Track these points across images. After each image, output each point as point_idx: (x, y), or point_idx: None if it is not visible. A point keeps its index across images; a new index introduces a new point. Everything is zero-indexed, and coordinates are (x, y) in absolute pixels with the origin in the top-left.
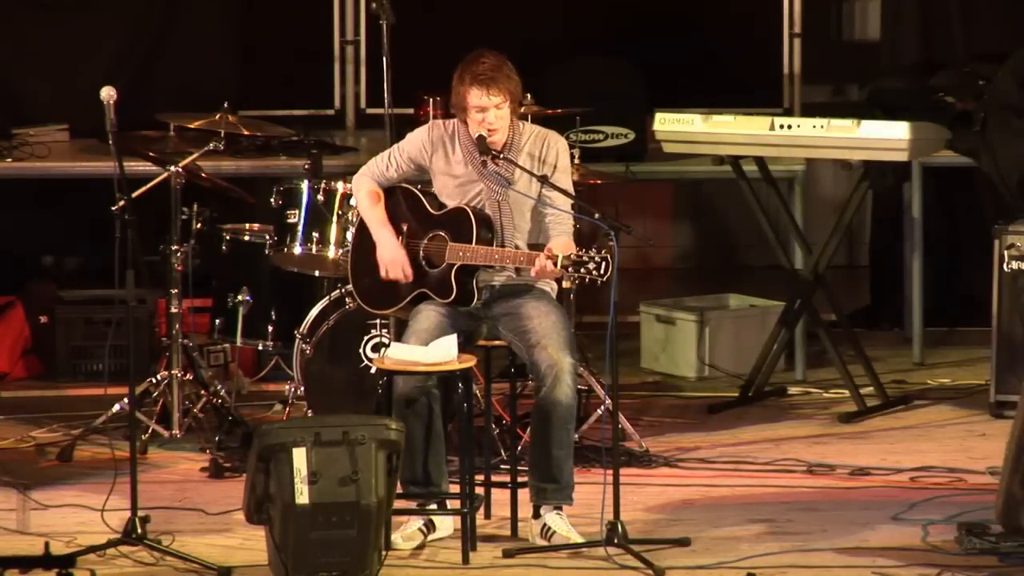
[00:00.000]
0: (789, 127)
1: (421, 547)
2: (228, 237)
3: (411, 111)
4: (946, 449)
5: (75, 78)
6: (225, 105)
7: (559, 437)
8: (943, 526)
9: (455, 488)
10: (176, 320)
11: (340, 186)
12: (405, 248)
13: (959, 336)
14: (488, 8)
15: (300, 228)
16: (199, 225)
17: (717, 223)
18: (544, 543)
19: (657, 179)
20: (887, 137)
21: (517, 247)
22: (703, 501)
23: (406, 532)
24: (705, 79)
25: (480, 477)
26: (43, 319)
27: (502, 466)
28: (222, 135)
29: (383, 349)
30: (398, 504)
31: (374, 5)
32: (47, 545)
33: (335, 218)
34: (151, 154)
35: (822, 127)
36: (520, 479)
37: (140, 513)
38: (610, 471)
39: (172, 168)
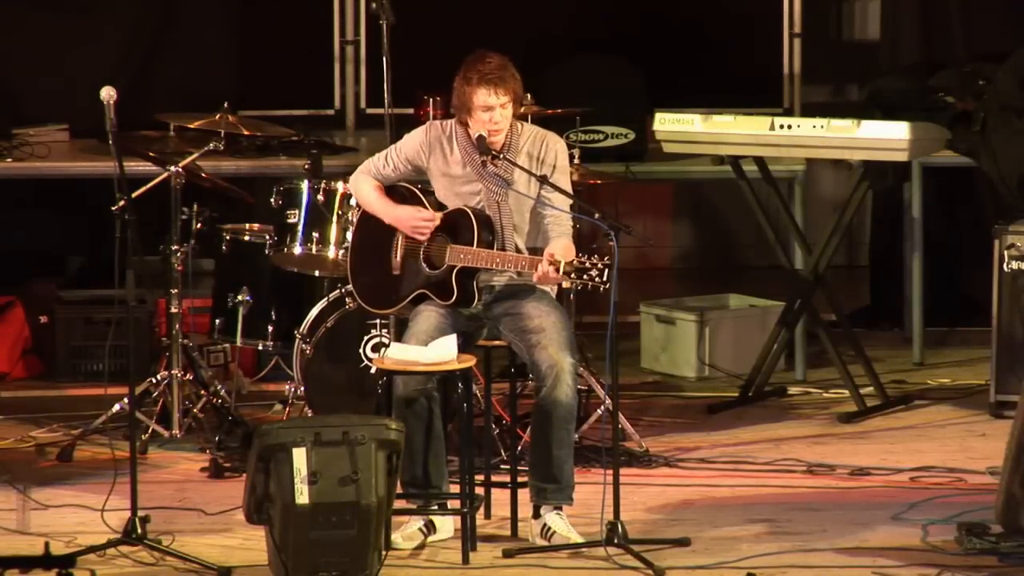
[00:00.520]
0: (789, 127)
1: (421, 547)
2: (228, 237)
3: (411, 111)
4: (946, 449)
5: (75, 78)
6: (225, 105)
7: (559, 437)
8: (943, 526)
9: (455, 488)
10: (176, 320)
11: (340, 186)
12: (404, 248)
13: (959, 336)
14: (488, 8)
15: (300, 228)
16: (199, 225)
17: (717, 223)
18: (544, 543)
19: (657, 179)
20: (887, 137)
21: (517, 248)
22: (703, 501)
23: (406, 532)
24: (705, 79)
25: (480, 477)
26: (43, 319)
27: (502, 466)
28: (222, 135)
29: (383, 349)
30: (398, 504)
31: (374, 5)
32: (47, 545)
33: (335, 218)
34: (151, 154)
35: (822, 127)
36: (520, 479)
37: (140, 513)
38: (610, 471)
39: (172, 168)
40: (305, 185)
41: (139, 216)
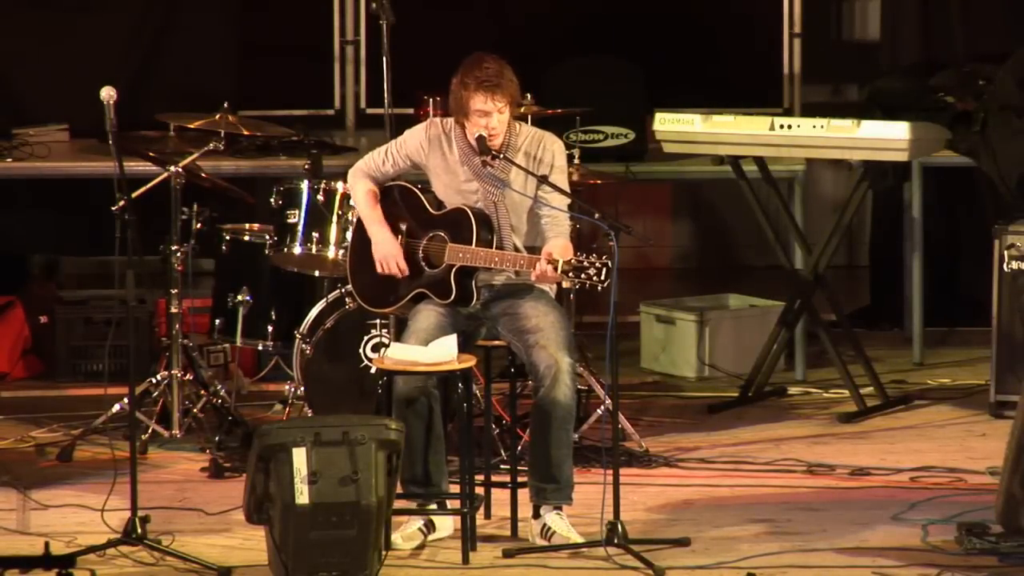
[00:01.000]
0: (789, 127)
1: (421, 547)
2: (228, 237)
3: (411, 111)
4: (946, 449)
5: (75, 78)
6: (225, 105)
7: (558, 437)
8: (943, 526)
9: (455, 488)
10: (176, 320)
11: (340, 186)
12: (404, 247)
13: (959, 336)
14: (488, 8)
15: (300, 228)
16: (199, 225)
17: (717, 223)
18: (544, 543)
19: (657, 179)
20: (887, 137)
21: (515, 247)
22: (703, 501)
23: (406, 532)
24: (705, 79)
25: (480, 477)
26: (43, 319)
27: (502, 466)
28: (222, 135)
29: (383, 349)
30: (398, 504)
31: (374, 5)
32: (47, 545)
33: (335, 218)
34: (151, 154)
35: (822, 127)
36: (520, 479)
37: (140, 513)
38: (610, 471)
39: (172, 168)
40: (305, 185)
41: (139, 216)
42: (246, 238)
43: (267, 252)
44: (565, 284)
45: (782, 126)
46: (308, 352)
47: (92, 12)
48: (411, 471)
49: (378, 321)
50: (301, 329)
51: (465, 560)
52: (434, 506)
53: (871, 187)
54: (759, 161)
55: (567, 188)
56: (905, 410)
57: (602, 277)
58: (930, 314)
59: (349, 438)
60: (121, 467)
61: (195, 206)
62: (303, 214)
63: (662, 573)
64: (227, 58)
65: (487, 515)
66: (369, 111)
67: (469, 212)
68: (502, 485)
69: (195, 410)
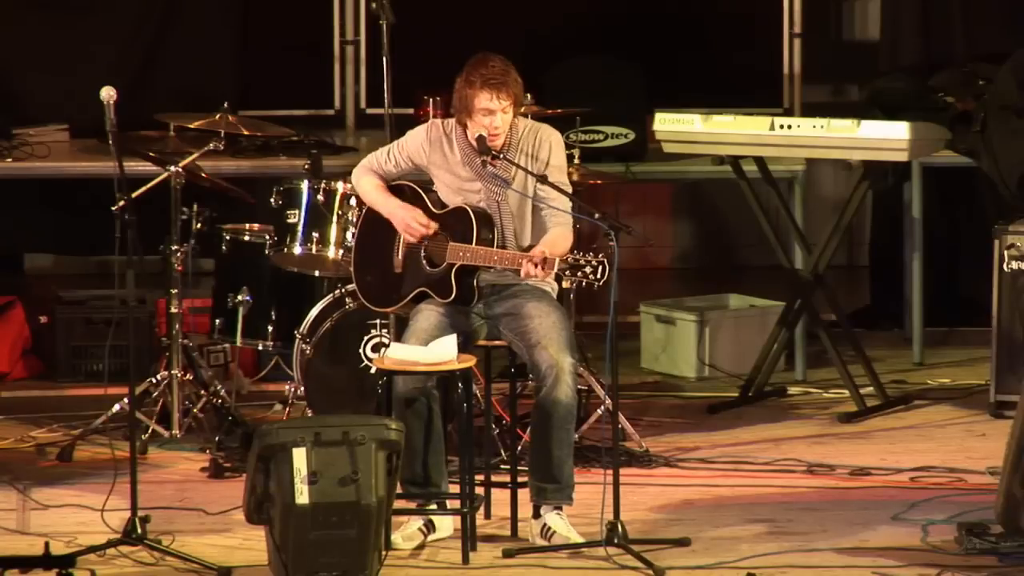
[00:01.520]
0: (789, 127)
1: (421, 547)
2: (228, 237)
3: (411, 111)
4: (946, 449)
5: (75, 78)
6: (225, 105)
7: (559, 437)
8: (943, 526)
9: (455, 488)
10: (176, 320)
11: (340, 186)
12: (406, 246)
13: (959, 336)
14: (488, 8)
15: (300, 228)
16: (199, 225)
17: (717, 223)
18: (544, 543)
19: (657, 179)
20: (887, 137)
21: (517, 246)
22: (703, 501)
23: (406, 532)
24: (705, 79)
25: (480, 477)
26: (43, 319)
27: (502, 466)
28: (222, 135)
29: (383, 349)
30: (398, 504)
31: (374, 5)
32: (47, 545)
33: (335, 218)
34: (151, 154)
35: (822, 127)
36: (520, 479)
37: (140, 513)
38: (610, 471)
39: (172, 168)
40: (305, 185)
41: (139, 216)
42: (246, 238)
43: (267, 252)
44: (566, 284)
45: (782, 126)
46: (308, 352)
47: (92, 12)
48: (411, 471)
49: (378, 321)
50: (301, 329)
51: (465, 560)
52: (434, 506)
53: (871, 187)
54: (759, 161)
55: (566, 180)
56: (905, 410)
57: (599, 275)
58: (930, 314)
59: (349, 438)
60: (121, 467)
61: (195, 206)
62: (303, 214)
63: (662, 573)
64: (227, 58)
65: (487, 515)
66: (369, 111)
67: (470, 211)
68: (502, 485)
69: (195, 410)
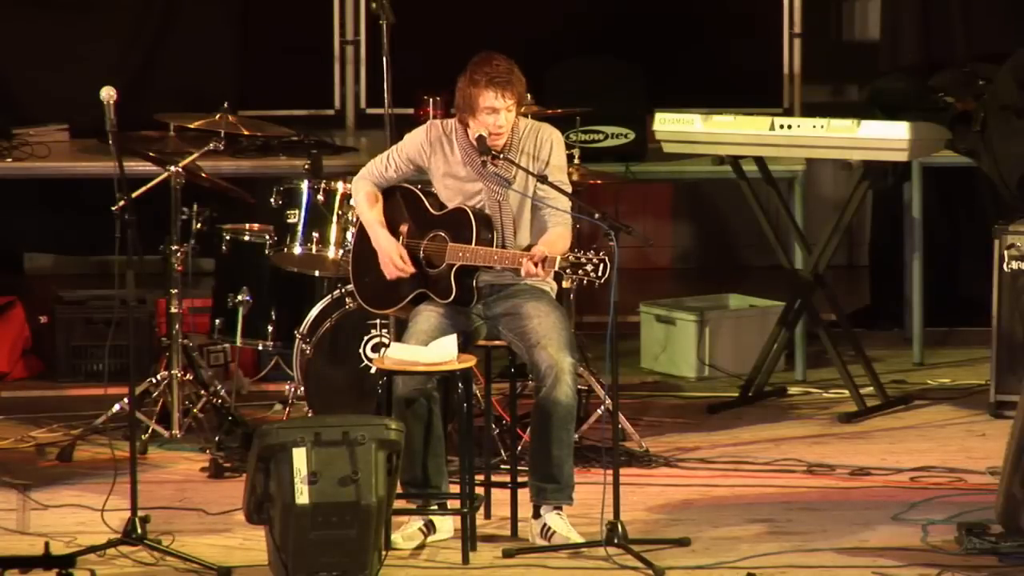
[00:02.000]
0: (789, 127)
1: (421, 547)
2: (228, 237)
3: (411, 111)
4: (946, 449)
5: (75, 78)
6: (225, 105)
7: (559, 437)
8: (943, 526)
9: (455, 488)
10: (176, 320)
11: (340, 186)
12: (405, 248)
13: (959, 336)
14: (488, 8)
15: (300, 228)
16: (199, 225)
17: (717, 223)
18: (544, 543)
19: (657, 179)
20: (887, 137)
21: (517, 246)
22: (703, 501)
23: (406, 532)
24: (705, 79)
25: (480, 477)
26: (43, 319)
27: (502, 466)
28: (222, 135)
29: (383, 349)
30: (398, 504)
31: (374, 5)
32: (47, 545)
33: (335, 218)
34: (151, 154)
35: (822, 127)
36: (520, 479)
37: (140, 513)
38: (610, 471)
39: (172, 168)
40: (305, 185)
41: (139, 216)
42: (246, 238)
43: (267, 252)
44: (566, 283)
45: (782, 126)
46: (308, 352)
47: (92, 12)
48: (411, 472)
49: (378, 321)
50: (301, 329)
51: (465, 560)
52: (434, 506)
53: (871, 187)
54: (759, 161)
55: (566, 180)
56: (905, 410)
57: (599, 273)
58: (930, 314)
59: (349, 438)
60: (121, 467)
61: (195, 206)
62: (303, 214)
63: (662, 573)
64: (227, 58)
65: (487, 515)
66: (369, 111)
67: (469, 212)
68: (502, 485)
69: (195, 410)
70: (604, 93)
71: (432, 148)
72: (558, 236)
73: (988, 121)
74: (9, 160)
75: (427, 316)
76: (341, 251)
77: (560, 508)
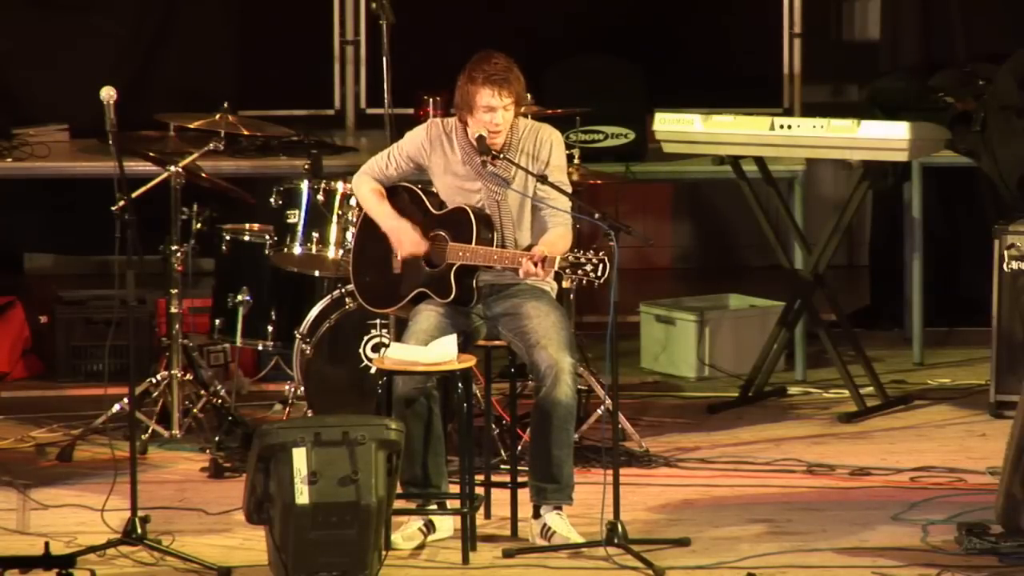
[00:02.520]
0: (789, 127)
1: (421, 547)
2: (228, 237)
3: (411, 111)
4: (946, 449)
5: (75, 78)
6: (225, 105)
7: (559, 437)
8: (943, 526)
9: (455, 488)
10: (176, 320)
11: (340, 186)
12: None
13: (959, 336)
14: (488, 8)
15: (300, 228)
16: (199, 225)
17: (717, 223)
18: (544, 543)
19: (657, 179)
20: (887, 137)
21: (517, 246)
22: (703, 501)
23: (406, 532)
24: (705, 79)
25: (480, 477)
26: (43, 319)
27: (502, 466)
28: (222, 135)
29: (383, 349)
30: (398, 504)
31: (374, 5)
32: (47, 545)
33: (335, 218)
34: (151, 154)
35: (822, 127)
36: (520, 479)
37: (140, 513)
38: (610, 471)
39: (172, 168)
40: (305, 185)
41: (139, 216)
42: (246, 238)
43: (267, 252)
44: (566, 283)
45: (782, 126)
46: (308, 352)
47: (92, 12)
48: (410, 472)
49: (378, 321)
50: (301, 329)
51: (465, 560)
52: (434, 506)
53: (871, 187)
54: (759, 161)
55: (566, 180)
56: (905, 410)
57: (599, 273)
58: (930, 314)
59: (349, 438)
60: (121, 467)
61: (195, 206)
62: (303, 214)
63: (662, 573)
64: (227, 58)
65: (487, 515)
66: (369, 111)
67: (469, 211)
68: (502, 485)
69: (195, 410)
70: (604, 93)
71: (432, 146)
72: (558, 236)
73: (988, 121)
74: (9, 160)
75: (427, 316)
76: (341, 251)
77: (560, 508)
